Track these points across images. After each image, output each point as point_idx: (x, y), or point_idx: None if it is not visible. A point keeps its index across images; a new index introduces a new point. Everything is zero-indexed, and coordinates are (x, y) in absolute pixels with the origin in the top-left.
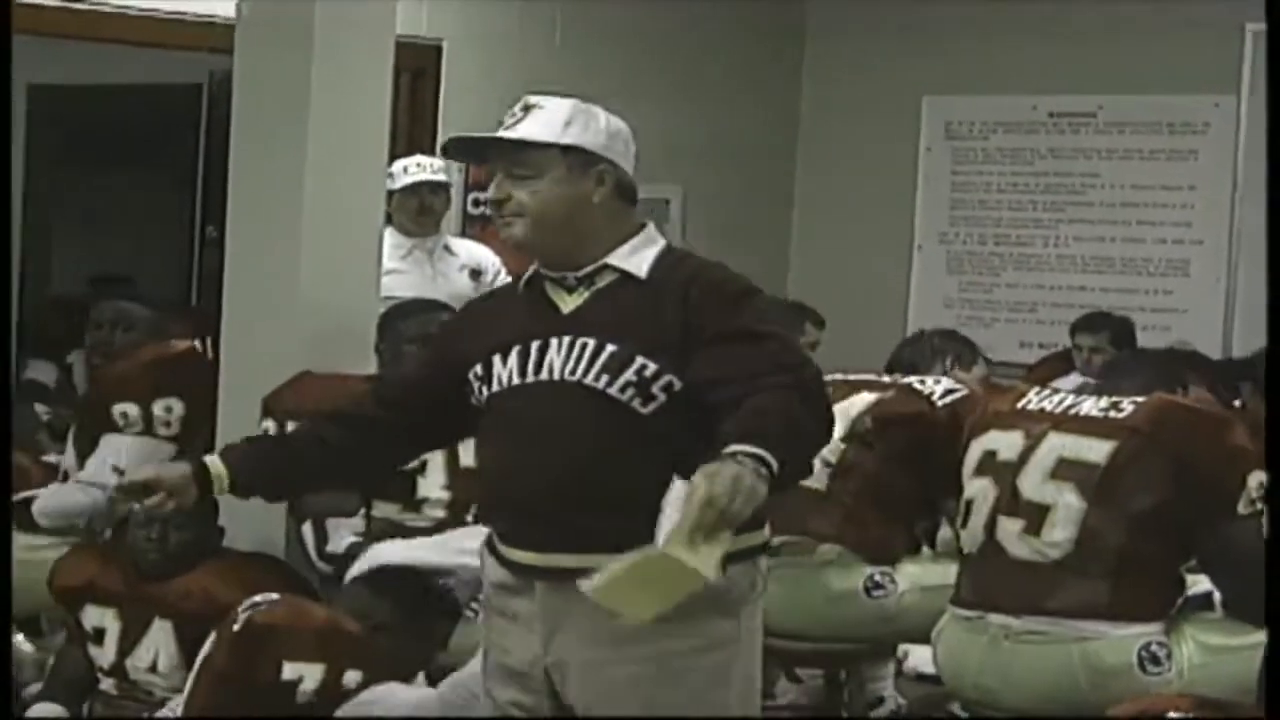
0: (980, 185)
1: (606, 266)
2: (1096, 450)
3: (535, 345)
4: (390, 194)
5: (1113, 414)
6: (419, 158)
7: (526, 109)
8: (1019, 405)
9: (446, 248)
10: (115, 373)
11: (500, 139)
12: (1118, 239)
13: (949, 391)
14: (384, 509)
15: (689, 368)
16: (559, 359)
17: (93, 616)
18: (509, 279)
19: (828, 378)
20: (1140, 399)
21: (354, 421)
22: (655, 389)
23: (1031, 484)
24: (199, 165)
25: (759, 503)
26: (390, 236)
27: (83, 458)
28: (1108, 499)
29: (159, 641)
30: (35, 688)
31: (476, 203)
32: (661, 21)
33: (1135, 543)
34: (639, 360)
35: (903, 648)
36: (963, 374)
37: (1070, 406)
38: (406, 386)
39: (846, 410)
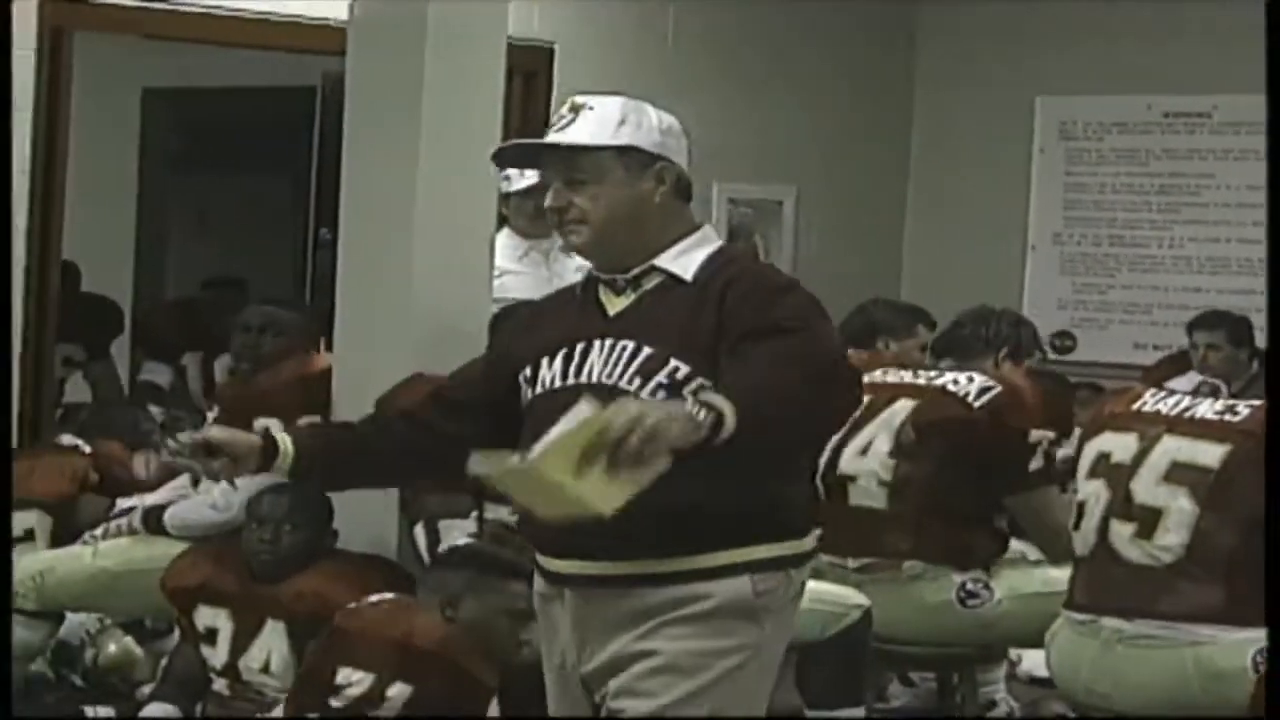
0: (1094, 186)
1: (654, 268)
2: (1210, 454)
3: (579, 348)
4: (506, 196)
5: (1228, 417)
6: None
7: (575, 110)
8: (1134, 407)
9: (563, 249)
10: (260, 386)
11: (555, 145)
12: (1233, 240)
13: (984, 390)
14: (496, 511)
15: (719, 368)
16: (599, 362)
17: (206, 617)
18: None
19: (866, 379)
20: (1256, 402)
21: (416, 423)
22: (688, 393)
23: (1144, 487)
24: (313, 167)
25: (664, 446)
26: (506, 238)
27: None
28: (1220, 503)
29: (271, 642)
30: (148, 688)
31: None
32: (774, 23)
33: (1248, 547)
34: (672, 363)
35: (1015, 651)
36: (1012, 367)
37: (1186, 409)
38: (465, 389)
39: (889, 422)
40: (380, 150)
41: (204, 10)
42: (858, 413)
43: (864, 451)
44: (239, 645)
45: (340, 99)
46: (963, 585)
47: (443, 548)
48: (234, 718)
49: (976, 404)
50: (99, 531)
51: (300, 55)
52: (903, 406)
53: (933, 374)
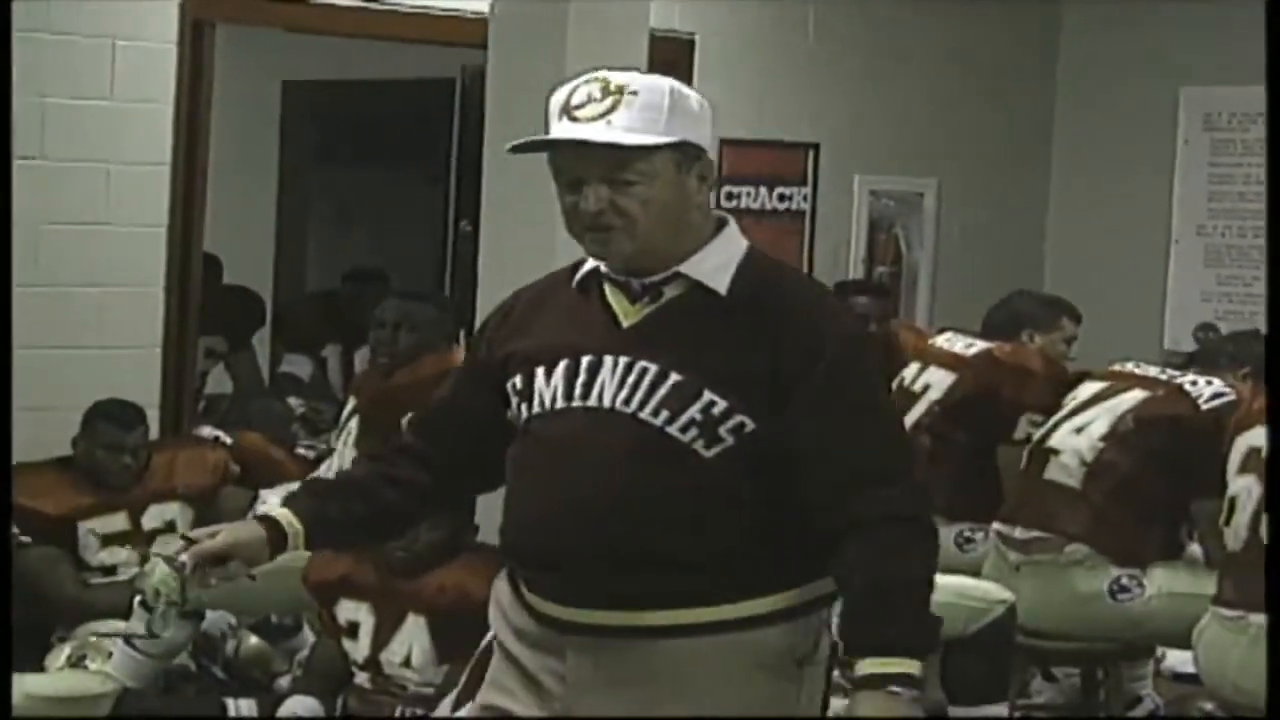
0: (1239, 177)
1: (679, 275)
2: None
3: (585, 363)
4: None
5: None
6: None
7: (614, 93)
8: None
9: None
10: (399, 381)
11: (610, 145)
12: None
13: (1216, 395)
14: None
15: (771, 417)
16: (612, 383)
17: (347, 610)
18: None
19: (1114, 366)
20: None
21: (400, 455)
22: (723, 431)
23: None
24: (452, 159)
25: None
26: None
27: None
28: None
29: (413, 636)
30: (285, 680)
31: (730, 195)
32: (914, 18)
33: None
34: (706, 395)
35: (1160, 648)
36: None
37: None
38: (440, 407)
39: (1114, 409)
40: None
41: (344, 4)
42: (1089, 394)
43: (1079, 430)
44: (380, 639)
45: (479, 91)
46: (1117, 579)
47: None
48: (375, 714)
49: (1205, 406)
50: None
51: (439, 47)
52: (1132, 396)
53: (1175, 374)
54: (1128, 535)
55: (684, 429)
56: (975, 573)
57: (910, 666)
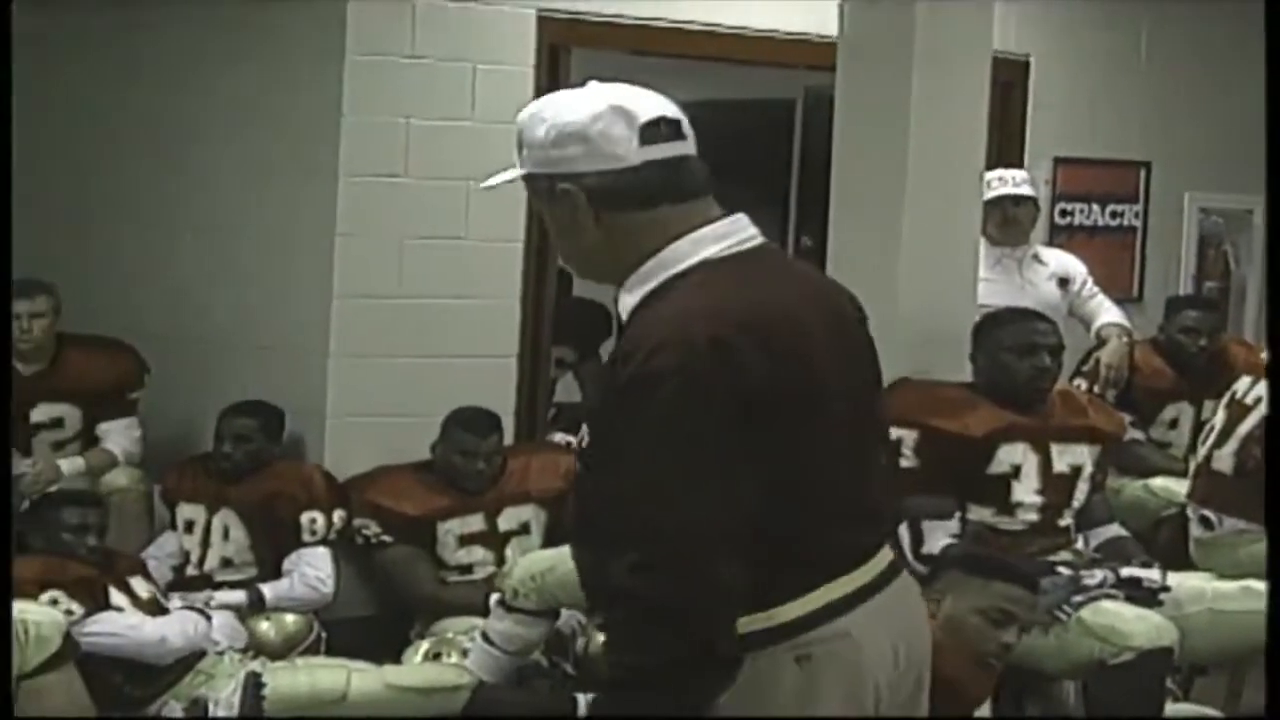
0: None
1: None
2: None
3: None
4: None
5: None
6: (1002, 171)
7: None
8: None
9: (1035, 257)
10: None
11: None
12: None
13: None
14: (979, 512)
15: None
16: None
17: None
18: (1095, 289)
19: None
20: None
21: None
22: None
23: None
24: (792, 177)
25: None
26: (980, 246)
27: None
28: None
29: None
30: None
31: (1064, 213)
32: (1243, 36)
33: None
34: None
35: None
36: None
37: None
38: None
39: None
40: (868, 159)
41: (691, 27)
42: None
43: None
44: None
45: (821, 111)
46: None
47: (925, 548)
48: None
49: None
50: None
51: (780, 70)
52: None
53: None
54: None
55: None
56: None
57: None
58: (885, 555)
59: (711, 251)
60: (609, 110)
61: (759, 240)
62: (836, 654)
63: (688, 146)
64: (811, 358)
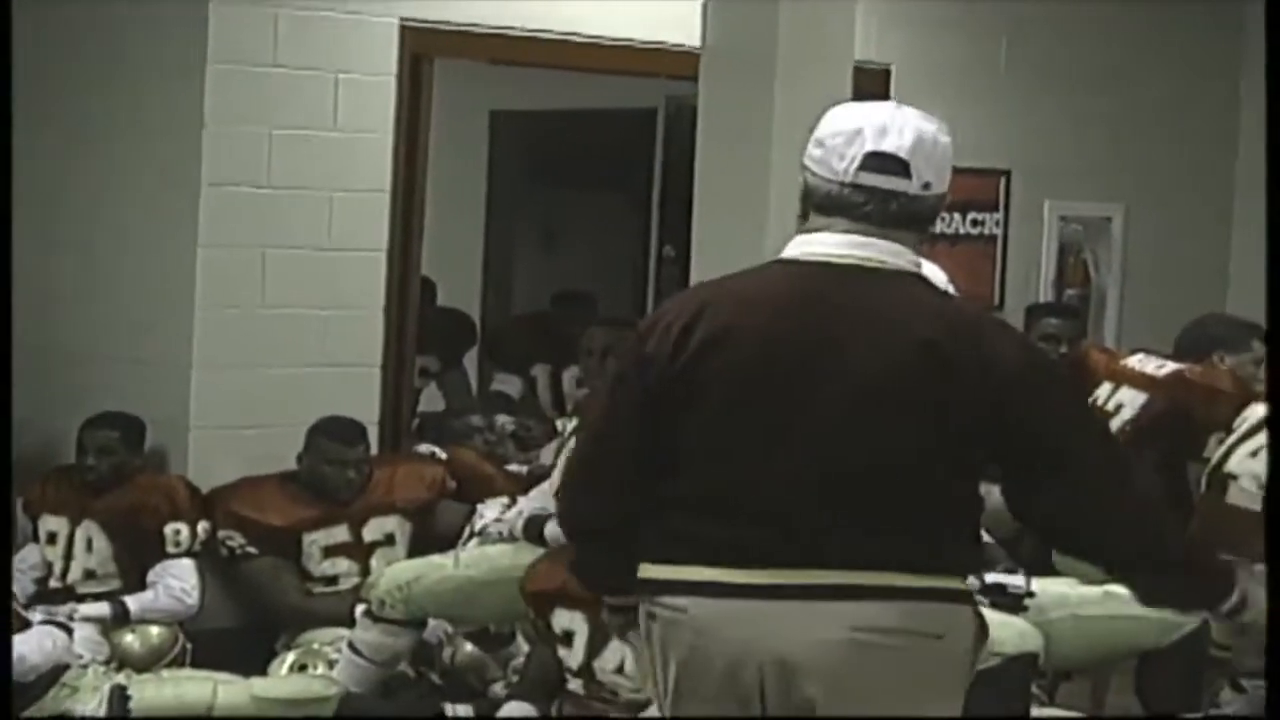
0: None
1: None
2: None
3: None
4: None
5: None
6: None
7: None
8: None
9: None
10: None
11: None
12: None
13: None
14: None
15: None
16: None
17: (563, 619)
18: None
19: None
20: None
21: None
22: None
23: None
24: (654, 187)
25: None
26: None
27: None
28: None
29: (625, 646)
30: (499, 686)
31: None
32: (1101, 46)
33: None
34: None
35: None
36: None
37: None
38: None
39: None
40: (731, 170)
41: (549, 36)
42: (1260, 416)
43: (1254, 454)
44: (594, 647)
45: (683, 121)
46: None
47: None
48: (589, 717)
49: None
50: (475, 532)
51: (643, 79)
52: None
53: None
54: None
55: None
56: None
57: None
58: (818, 575)
59: (787, 254)
60: None
61: (845, 259)
62: (674, 624)
63: None
64: (743, 361)
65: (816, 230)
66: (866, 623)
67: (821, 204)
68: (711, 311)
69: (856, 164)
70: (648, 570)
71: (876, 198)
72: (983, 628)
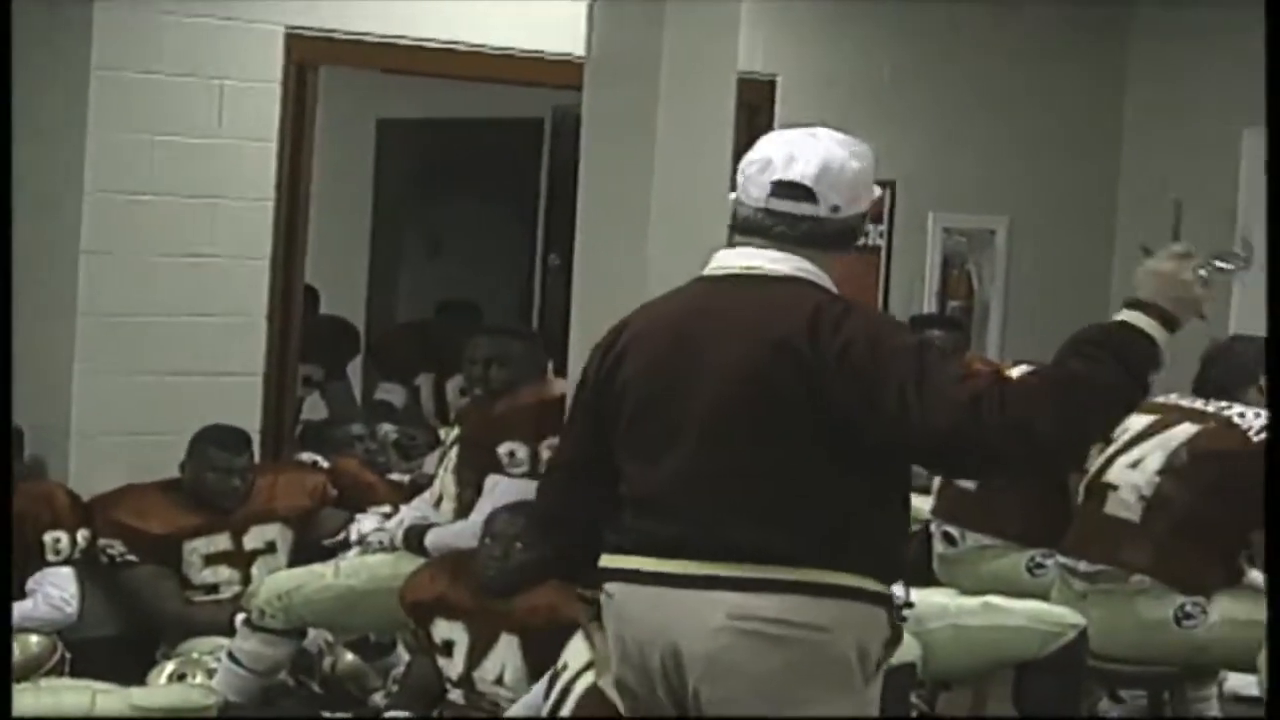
0: None
1: None
2: None
3: None
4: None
5: None
6: None
7: None
8: None
9: None
10: (500, 411)
11: None
12: None
13: (1267, 426)
14: None
15: None
16: None
17: (442, 629)
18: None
19: (1159, 399)
20: None
21: None
22: None
23: None
24: (540, 196)
25: None
26: None
27: (463, 488)
28: None
29: (506, 655)
30: (379, 697)
31: None
32: (987, 61)
33: None
34: None
35: (1223, 671)
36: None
37: None
38: None
39: (1166, 443)
40: (615, 180)
41: (438, 45)
42: (1140, 428)
43: (1134, 465)
44: (474, 657)
45: (568, 131)
46: (1181, 606)
47: None
48: None
49: (1255, 438)
50: (354, 541)
51: (529, 89)
52: (1184, 430)
53: (1223, 405)
54: (1190, 566)
55: None
56: (1046, 597)
57: None
58: (707, 567)
59: (705, 270)
60: None
61: (732, 269)
62: (607, 607)
63: None
64: (641, 369)
65: (733, 248)
66: (746, 611)
67: (742, 226)
68: (630, 328)
69: (768, 191)
70: (602, 560)
71: (786, 221)
72: (894, 629)
